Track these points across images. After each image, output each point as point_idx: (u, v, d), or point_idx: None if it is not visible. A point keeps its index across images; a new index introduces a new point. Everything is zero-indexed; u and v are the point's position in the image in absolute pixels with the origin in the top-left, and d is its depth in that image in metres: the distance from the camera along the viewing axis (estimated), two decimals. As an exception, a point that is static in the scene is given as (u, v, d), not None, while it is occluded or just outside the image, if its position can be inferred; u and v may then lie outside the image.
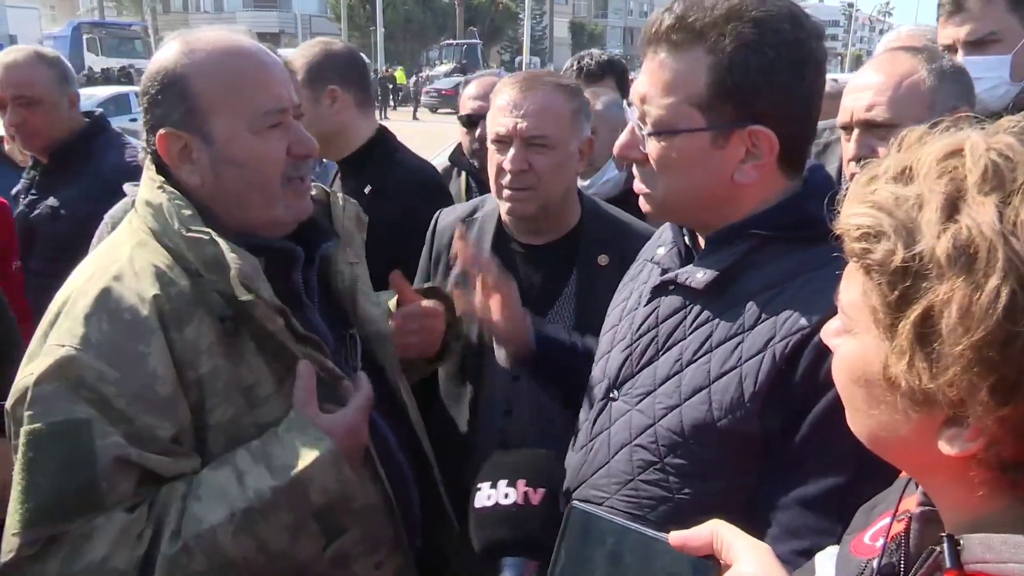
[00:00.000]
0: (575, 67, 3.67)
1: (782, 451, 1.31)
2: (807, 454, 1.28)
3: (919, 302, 0.74)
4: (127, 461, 1.39)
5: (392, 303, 2.03)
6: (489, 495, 1.39)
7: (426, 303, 2.00)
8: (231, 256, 1.46)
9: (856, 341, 0.85)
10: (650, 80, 1.40)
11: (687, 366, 1.41)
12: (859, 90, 2.10)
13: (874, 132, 2.05)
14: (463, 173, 3.51)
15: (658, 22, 1.39)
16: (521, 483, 1.39)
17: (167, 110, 1.54)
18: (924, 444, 0.80)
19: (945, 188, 0.76)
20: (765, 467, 1.34)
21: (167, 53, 1.57)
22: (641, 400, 1.47)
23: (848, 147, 2.13)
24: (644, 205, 1.52)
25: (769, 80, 1.33)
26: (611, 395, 1.55)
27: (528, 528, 1.36)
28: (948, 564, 0.79)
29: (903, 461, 0.90)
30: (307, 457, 1.48)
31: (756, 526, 1.31)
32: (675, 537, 0.97)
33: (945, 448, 0.78)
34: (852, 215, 0.82)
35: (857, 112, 2.08)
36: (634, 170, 1.51)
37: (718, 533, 0.96)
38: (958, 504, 0.83)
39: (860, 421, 0.89)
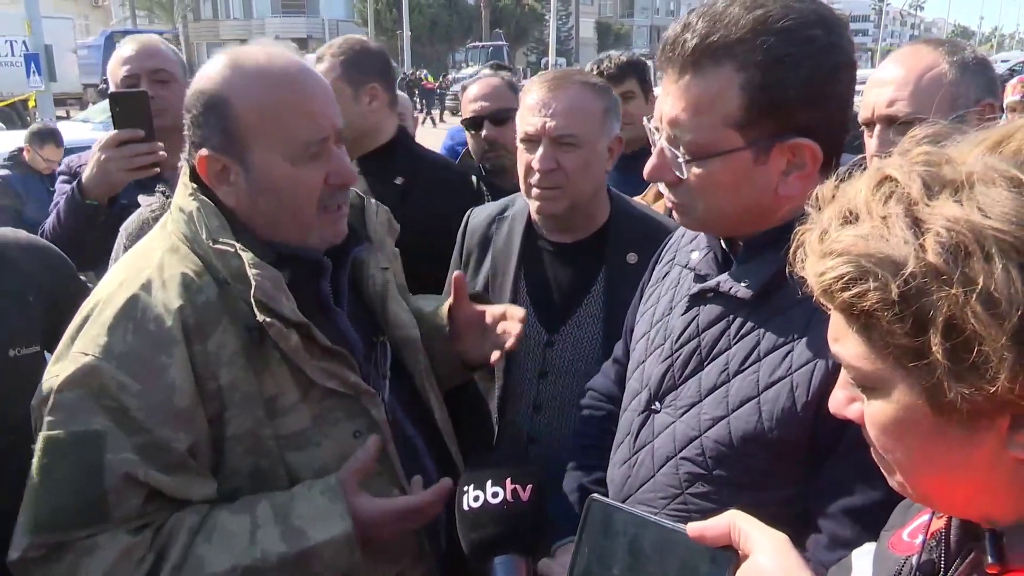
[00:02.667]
0: (595, 71, 3.54)
1: (833, 459, 1.28)
2: (857, 464, 1.22)
3: (937, 317, 0.72)
4: (135, 479, 1.40)
5: (443, 309, 2.00)
6: (476, 496, 1.35)
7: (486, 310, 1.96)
8: (253, 272, 1.47)
9: (884, 395, 0.81)
10: (677, 103, 1.33)
11: (734, 376, 1.37)
12: (880, 85, 2.05)
13: (896, 128, 1.98)
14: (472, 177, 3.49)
15: (680, 42, 1.31)
16: (508, 481, 1.35)
17: (208, 132, 1.55)
18: (992, 461, 0.77)
19: (897, 208, 0.76)
20: (815, 473, 1.30)
21: (212, 71, 1.57)
22: (686, 412, 1.44)
23: (870, 143, 2.07)
24: (680, 219, 1.47)
25: (808, 93, 1.28)
26: (653, 407, 1.52)
27: (518, 525, 1.33)
28: (990, 559, 0.78)
29: (968, 496, 0.83)
30: (323, 531, 1.46)
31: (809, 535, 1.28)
32: (693, 528, 0.96)
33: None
34: (827, 270, 0.79)
35: (878, 108, 2.03)
36: (662, 187, 1.45)
37: (735, 524, 0.95)
38: (1005, 506, 0.81)
39: (921, 474, 0.84)
